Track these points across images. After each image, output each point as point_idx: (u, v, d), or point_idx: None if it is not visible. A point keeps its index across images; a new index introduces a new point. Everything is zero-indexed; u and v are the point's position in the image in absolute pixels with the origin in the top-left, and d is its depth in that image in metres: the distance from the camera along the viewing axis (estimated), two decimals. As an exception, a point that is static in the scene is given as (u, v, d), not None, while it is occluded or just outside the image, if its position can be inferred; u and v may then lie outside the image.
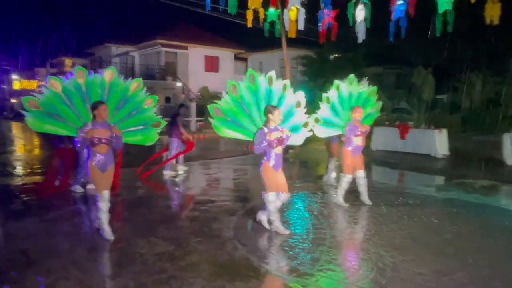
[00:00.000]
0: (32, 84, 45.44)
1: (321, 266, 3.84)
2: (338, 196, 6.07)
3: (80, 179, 6.79)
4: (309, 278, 3.59)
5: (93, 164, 4.38)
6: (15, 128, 25.04)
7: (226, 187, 7.89)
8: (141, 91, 4.75)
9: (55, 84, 4.31)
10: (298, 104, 5.06)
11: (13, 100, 48.25)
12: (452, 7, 6.23)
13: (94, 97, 4.46)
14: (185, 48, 26.93)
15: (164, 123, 5.00)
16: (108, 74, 4.55)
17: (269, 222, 4.83)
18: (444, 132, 11.82)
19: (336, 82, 5.99)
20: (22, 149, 14.34)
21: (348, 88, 6.01)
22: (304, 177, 8.85)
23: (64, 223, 5.32)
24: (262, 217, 4.92)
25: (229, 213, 5.67)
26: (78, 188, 6.74)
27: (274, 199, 4.63)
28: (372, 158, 10.65)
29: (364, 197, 6.12)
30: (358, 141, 5.89)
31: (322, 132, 5.96)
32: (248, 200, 6.40)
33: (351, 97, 6.06)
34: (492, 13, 6.07)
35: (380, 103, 6.89)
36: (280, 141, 4.65)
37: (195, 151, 13.88)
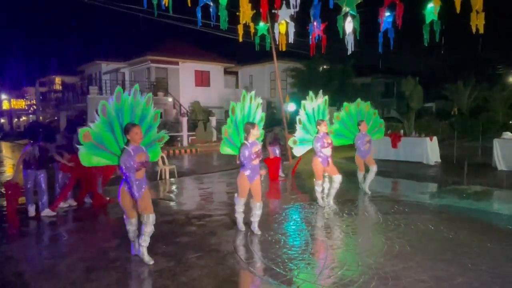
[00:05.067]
0: (20, 103, 45.07)
1: (322, 277, 3.84)
2: (318, 199, 6.73)
3: (43, 202, 6.46)
4: (311, 290, 3.59)
5: (126, 189, 4.13)
6: (4, 148, 24.71)
7: (221, 201, 7.85)
8: (151, 107, 4.58)
9: (104, 110, 4.05)
10: (262, 119, 5.57)
11: (2, 120, 47.76)
12: (438, 17, 6.41)
13: (125, 119, 4.23)
14: (176, 63, 27.01)
15: (167, 137, 4.86)
16: (136, 93, 4.34)
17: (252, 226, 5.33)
18: (435, 140, 11.99)
19: (303, 102, 6.56)
20: (12, 169, 14.14)
21: (311, 105, 6.57)
22: (299, 189, 8.87)
23: (61, 243, 5.25)
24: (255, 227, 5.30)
25: (227, 227, 5.65)
26: (48, 212, 6.46)
27: (243, 203, 5.29)
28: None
29: (331, 198, 6.76)
30: (327, 151, 6.45)
31: (300, 151, 6.66)
32: (244, 213, 6.37)
33: (314, 112, 6.63)
34: (477, 22, 6.25)
35: (374, 111, 7.98)
36: (258, 154, 5.08)
37: (188, 166, 13.86)
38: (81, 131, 3.95)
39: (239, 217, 5.42)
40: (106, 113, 4.06)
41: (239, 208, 5.36)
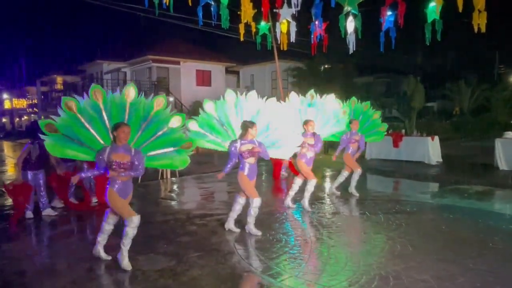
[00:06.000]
0: (22, 103, 45.14)
1: (324, 276, 3.84)
2: (305, 200, 6.42)
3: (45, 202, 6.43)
4: (312, 289, 3.58)
5: (114, 190, 4.00)
6: (6, 148, 24.74)
7: (222, 200, 7.86)
8: (166, 109, 4.41)
9: (71, 105, 3.97)
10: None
11: (3, 119, 47.86)
12: (440, 16, 6.39)
13: (115, 118, 4.11)
14: (177, 63, 27.01)
15: (195, 144, 4.72)
16: (128, 92, 4.20)
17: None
18: (436, 139, 11.97)
19: (292, 93, 6.47)
20: (13, 169, 14.15)
21: (304, 101, 6.44)
22: (300, 188, 8.84)
23: (62, 243, 5.25)
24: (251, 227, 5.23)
25: (228, 227, 5.64)
26: (49, 211, 6.42)
27: (259, 204, 5.07)
28: (367, 167, 10.69)
29: (306, 200, 6.46)
30: (310, 153, 6.28)
31: None
32: (245, 213, 6.36)
33: (311, 107, 6.48)
34: (479, 21, 6.22)
35: (375, 112, 7.92)
36: (251, 152, 5.02)
37: (189, 165, 13.84)
38: (42, 123, 3.92)
39: (252, 221, 5.19)
40: (75, 109, 3.97)
41: (256, 212, 5.12)
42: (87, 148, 4.09)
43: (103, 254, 4.31)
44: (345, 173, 7.50)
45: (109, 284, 3.78)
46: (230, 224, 5.37)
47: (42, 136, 3.92)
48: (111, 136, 4.07)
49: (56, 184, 6.62)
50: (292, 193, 6.60)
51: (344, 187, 7.65)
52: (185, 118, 4.64)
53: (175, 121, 4.48)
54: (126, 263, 4.06)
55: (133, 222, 3.99)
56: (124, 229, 4.05)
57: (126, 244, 4.07)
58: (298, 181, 6.58)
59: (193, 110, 25.29)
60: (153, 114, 4.34)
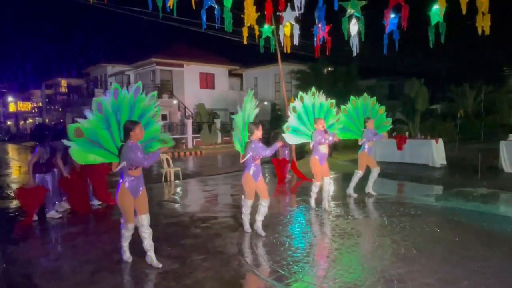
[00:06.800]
0: (27, 106, 45.46)
1: (327, 279, 3.83)
2: (311, 200, 6.64)
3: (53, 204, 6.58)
4: (316, 292, 3.57)
5: (126, 187, 4.00)
6: (11, 150, 24.89)
7: (226, 203, 7.86)
8: (154, 105, 4.46)
9: (101, 107, 3.95)
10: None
11: (8, 122, 48.19)
12: (444, 19, 6.38)
13: (123, 116, 4.14)
14: (180, 65, 27.12)
15: (171, 143, 4.66)
16: (137, 91, 4.26)
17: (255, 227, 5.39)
18: (441, 142, 11.93)
19: (300, 93, 6.52)
20: (18, 171, 14.24)
21: (311, 100, 6.52)
22: (303, 191, 8.84)
23: (66, 245, 5.27)
24: (259, 229, 5.35)
25: (232, 229, 5.65)
26: (54, 214, 6.52)
27: (250, 205, 5.32)
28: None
29: (325, 203, 6.65)
30: (324, 149, 6.43)
31: (292, 139, 6.49)
32: (250, 215, 6.36)
33: (314, 108, 6.57)
34: (483, 23, 6.20)
35: (380, 107, 8.00)
36: None
37: (193, 168, 13.87)
38: (71, 127, 3.83)
39: (246, 219, 5.45)
40: (102, 110, 3.96)
41: (246, 210, 5.40)
42: (104, 150, 4.05)
43: (155, 262, 4.27)
44: (374, 170, 7.59)
45: (113, 287, 3.78)
46: (258, 226, 5.39)
47: (67, 143, 3.81)
48: (122, 135, 4.05)
49: (67, 187, 6.69)
50: (313, 195, 6.70)
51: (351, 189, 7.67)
52: (160, 111, 4.62)
53: (155, 115, 4.53)
54: (155, 263, 4.23)
55: (128, 230, 4.22)
56: (121, 230, 4.25)
57: (125, 246, 4.32)
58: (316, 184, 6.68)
59: (197, 112, 25.38)
60: (145, 108, 4.38)
